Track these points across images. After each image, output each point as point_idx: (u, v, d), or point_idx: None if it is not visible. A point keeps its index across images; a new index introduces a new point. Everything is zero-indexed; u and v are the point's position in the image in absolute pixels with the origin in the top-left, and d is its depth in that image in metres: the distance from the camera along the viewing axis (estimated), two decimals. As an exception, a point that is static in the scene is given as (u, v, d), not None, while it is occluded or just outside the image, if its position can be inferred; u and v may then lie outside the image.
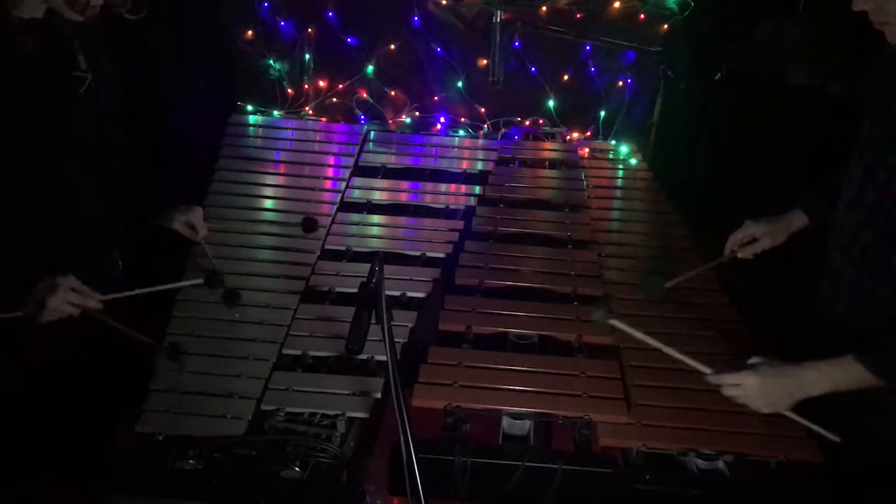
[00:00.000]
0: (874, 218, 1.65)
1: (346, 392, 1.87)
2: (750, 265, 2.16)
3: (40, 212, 1.75)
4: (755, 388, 1.54)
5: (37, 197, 1.74)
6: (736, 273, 2.25)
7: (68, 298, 1.64)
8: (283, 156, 3.01)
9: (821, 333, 1.78)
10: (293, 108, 3.38)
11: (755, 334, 2.12)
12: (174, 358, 1.91)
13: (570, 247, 2.59)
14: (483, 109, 3.38)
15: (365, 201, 2.79)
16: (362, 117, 3.40)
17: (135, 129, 2.02)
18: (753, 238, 2.09)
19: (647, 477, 1.65)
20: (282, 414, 1.80)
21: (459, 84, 3.35)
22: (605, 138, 3.36)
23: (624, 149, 3.26)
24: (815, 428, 1.60)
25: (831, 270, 1.79)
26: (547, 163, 3.17)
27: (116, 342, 1.92)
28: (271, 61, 3.34)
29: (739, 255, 2.10)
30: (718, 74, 2.82)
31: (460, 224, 2.68)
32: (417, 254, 2.49)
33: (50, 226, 1.77)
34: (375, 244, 2.55)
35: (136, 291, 1.89)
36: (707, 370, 1.60)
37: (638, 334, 1.66)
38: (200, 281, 2.04)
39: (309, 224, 2.49)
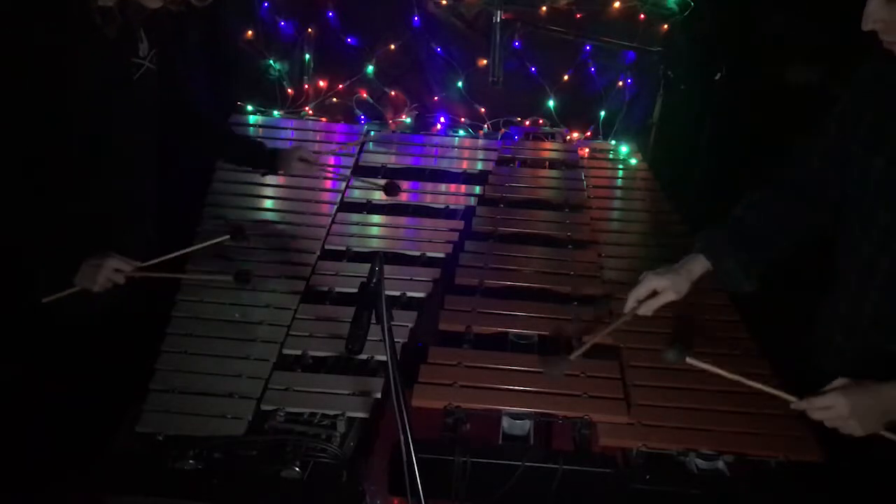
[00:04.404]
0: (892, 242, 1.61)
1: (346, 392, 1.87)
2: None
3: (88, 187, 1.88)
4: (846, 409, 1.49)
5: (86, 174, 1.87)
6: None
7: (116, 266, 1.83)
8: (283, 156, 3.01)
9: (841, 359, 1.74)
10: (293, 108, 3.38)
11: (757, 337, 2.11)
12: (244, 280, 1.96)
13: (570, 247, 2.58)
14: (483, 109, 3.38)
15: (365, 201, 2.78)
16: (362, 117, 3.40)
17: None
18: (654, 292, 1.83)
19: (647, 477, 1.65)
20: (282, 414, 1.80)
21: (459, 84, 3.35)
22: (605, 138, 3.36)
23: (624, 149, 3.26)
24: None
25: (848, 294, 1.75)
26: (547, 163, 3.17)
27: (117, 343, 1.93)
28: (271, 61, 3.34)
29: (640, 312, 1.84)
30: (718, 74, 2.82)
31: (460, 224, 2.68)
32: (417, 254, 2.49)
33: (97, 198, 1.91)
34: (375, 244, 2.55)
35: (171, 255, 1.99)
36: (792, 399, 1.57)
37: (715, 370, 1.62)
38: (227, 237, 2.07)
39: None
